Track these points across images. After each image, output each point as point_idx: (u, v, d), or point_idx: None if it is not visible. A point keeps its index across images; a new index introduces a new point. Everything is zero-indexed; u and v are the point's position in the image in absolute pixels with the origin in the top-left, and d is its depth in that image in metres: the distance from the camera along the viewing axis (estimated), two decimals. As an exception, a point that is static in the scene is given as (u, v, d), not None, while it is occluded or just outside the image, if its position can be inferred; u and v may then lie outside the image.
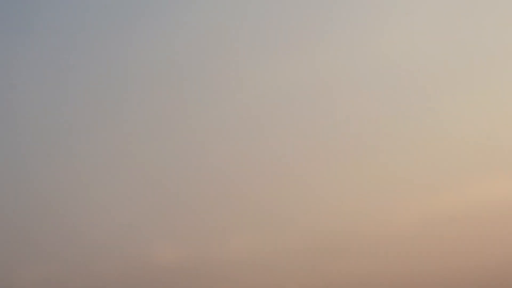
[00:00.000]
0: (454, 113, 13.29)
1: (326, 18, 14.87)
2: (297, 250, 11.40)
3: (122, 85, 14.34)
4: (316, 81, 13.58)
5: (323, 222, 11.71)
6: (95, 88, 13.76)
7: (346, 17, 14.68)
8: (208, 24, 14.86)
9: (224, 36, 14.77)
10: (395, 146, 12.49)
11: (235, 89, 13.80)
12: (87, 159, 12.52)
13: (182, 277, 11.21)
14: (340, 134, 12.73)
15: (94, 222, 11.33)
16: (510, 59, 13.57)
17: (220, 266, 10.93)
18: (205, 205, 11.71)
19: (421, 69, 13.65)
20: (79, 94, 13.98)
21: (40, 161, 12.76)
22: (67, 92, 13.88)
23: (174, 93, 13.45)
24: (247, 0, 14.52)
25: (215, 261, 11.01)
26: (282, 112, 13.57)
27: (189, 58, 14.39)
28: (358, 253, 11.33)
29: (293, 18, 15.39)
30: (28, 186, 12.53)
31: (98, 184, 12.05)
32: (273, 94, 13.53)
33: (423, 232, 11.27)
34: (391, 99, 13.35)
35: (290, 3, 15.32)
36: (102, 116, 12.93)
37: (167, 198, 11.83)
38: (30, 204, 12.17)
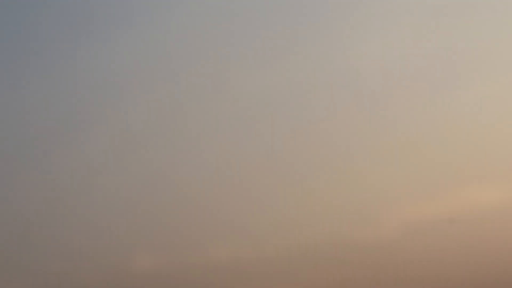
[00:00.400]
0: (437, 122, 13.23)
1: (308, 27, 14.89)
2: (280, 258, 11.25)
3: (110, 89, 14.30)
4: (299, 88, 13.56)
5: (305, 230, 11.58)
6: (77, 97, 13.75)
7: (328, 27, 14.70)
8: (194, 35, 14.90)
9: (215, 43, 14.78)
10: (377, 155, 12.40)
11: (223, 95, 13.75)
12: (64, 169, 12.44)
13: (163, 284, 11.07)
14: (324, 142, 12.64)
15: (74, 231, 11.22)
16: (494, 66, 13.53)
17: (200, 273, 10.80)
18: (186, 214, 11.60)
19: (405, 77, 13.62)
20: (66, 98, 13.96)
21: (16, 170, 12.69)
22: (60, 94, 13.86)
23: (160, 99, 13.41)
24: (233, 11, 14.57)
25: (196, 268, 10.89)
26: (260, 123, 13.51)
27: (177, 65, 14.39)
28: (342, 262, 11.17)
29: (280, 26, 15.38)
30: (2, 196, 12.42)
31: (78, 193, 11.95)
32: (257, 101, 13.50)
33: (410, 239, 11.13)
34: (374, 108, 13.29)
35: (276, 14, 15.36)
36: (81, 126, 12.88)
37: (148, 206, 11.73)
38: (5, 215, 12.06)
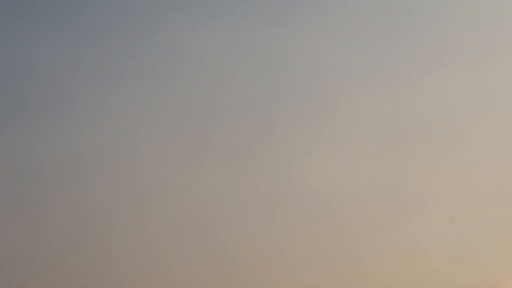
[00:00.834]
0: (380, 253, 13.30)
1: (255, 144, 14.61)
2: None
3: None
4: (241, 202, 13.37)
5: None
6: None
7: (278, 146, 14.36)
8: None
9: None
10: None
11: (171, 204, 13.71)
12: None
13: None
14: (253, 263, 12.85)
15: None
16: (425, 209, 13.43)
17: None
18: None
19: (348, 202, 13.49)
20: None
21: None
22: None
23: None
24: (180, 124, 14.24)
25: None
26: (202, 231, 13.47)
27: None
28: None
29: (229, 139, 14.99)
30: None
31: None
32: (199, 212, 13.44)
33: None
34: (316, 230, 13.36)
35: (225, 129, 15.05)
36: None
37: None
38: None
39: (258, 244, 13.65)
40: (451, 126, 41.44)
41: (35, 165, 32.91)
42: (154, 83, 42.94)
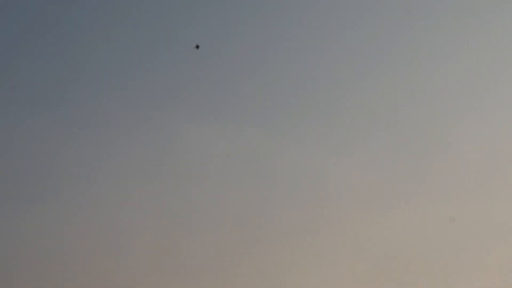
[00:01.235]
0: None
1: None
2: None
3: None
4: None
5: None
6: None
7: None
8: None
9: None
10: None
11: None
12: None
13: None
14: None
15: None
16: None
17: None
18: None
19: None
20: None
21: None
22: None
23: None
24: None
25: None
26: None
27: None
28: None
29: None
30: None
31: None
32: None
33: None
34: None
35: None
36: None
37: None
38: None
39: None
40: (445, 259, 40.83)
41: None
42: (147, 178, 42.75)
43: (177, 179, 42.98)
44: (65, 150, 44.22)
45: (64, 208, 41.29)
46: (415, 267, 40.56)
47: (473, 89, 46.67)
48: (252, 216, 42.05)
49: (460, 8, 48.98)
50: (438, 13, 49.59)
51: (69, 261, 39.86)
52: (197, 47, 38.77)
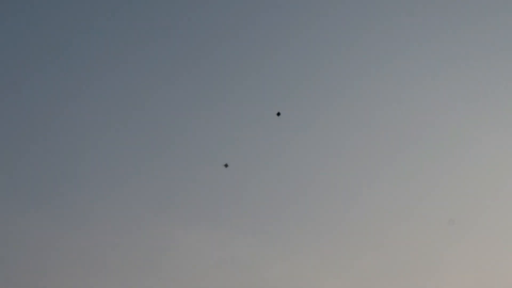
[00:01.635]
0: None
1: None
2: None
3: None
4: None
5: None
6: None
7: None
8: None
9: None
10: None
11: None
12: None
13: None
14: None
15: None
16: None
17: None
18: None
19: None
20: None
21: None
22: None
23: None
24: None
25: None
26: None
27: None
28: None
29: None
30: None
31: None
32: None
33: None
34: None
35: None
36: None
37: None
38: None
39: None
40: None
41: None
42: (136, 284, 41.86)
43: (164, 283, 42.14)
44: (57, 250, 43.74)
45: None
46: None
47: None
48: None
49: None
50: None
51: None
52: (278, 114, 38.75)
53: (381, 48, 52.63)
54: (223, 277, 43.31)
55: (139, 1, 53.86)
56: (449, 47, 52.16)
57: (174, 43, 53.66)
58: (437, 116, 50.45)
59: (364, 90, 51.66)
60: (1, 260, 42.28)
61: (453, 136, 49.67)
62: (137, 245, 44.47)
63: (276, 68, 52.93)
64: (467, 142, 49.25)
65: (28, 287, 41.35)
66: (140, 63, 52.94)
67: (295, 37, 53.26)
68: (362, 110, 51.00)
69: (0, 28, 52.04)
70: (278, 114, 38.95)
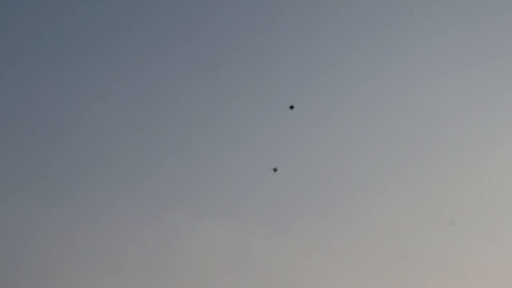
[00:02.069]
0: None
1: None
2: None
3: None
4: None
5: None
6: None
7: None
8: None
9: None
10: None
11: None
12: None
13: None
14: None
15: None
16: None
17: None
18: None
19: None
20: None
21: None
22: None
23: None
24: None
25: None
26: None
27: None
28: None
29: None
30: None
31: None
32: None
33: None
34: None
35: None
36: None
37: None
38: None
39: None
40: None
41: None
42: (146, 272, 42.30)
43: (176, 274, 42.56)
44: (69, 236, 43.98)
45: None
46: None
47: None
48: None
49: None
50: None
51: None
52: (292, 107, 39.07)
53: (382, 46, 53.04)
54: (233, 269, 43.71)
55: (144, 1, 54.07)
56: (451, 45, 52.64)
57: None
58: (440, 113, 50.94)
59: (371, 88, 52.18)
60: (9, 256, 42.50)
61: (456, 131, 50.24)
62: (147, 238, 44.75)
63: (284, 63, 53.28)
64: (471, 135, 49.86)
65: (38, 281, 41.61)
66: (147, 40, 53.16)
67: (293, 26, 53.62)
68: (366, 110, 51.50)
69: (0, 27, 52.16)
70: (292, 107, 39.33)
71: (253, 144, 49.63)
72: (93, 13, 53.13)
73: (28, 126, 49.33)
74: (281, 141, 49.70)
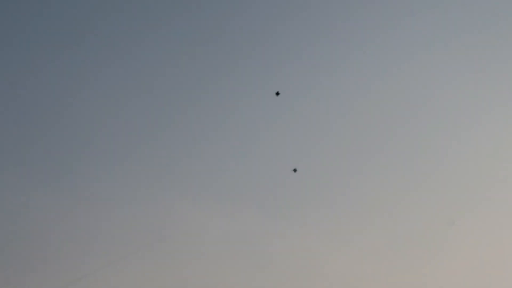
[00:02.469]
0: None
1: None
2: None
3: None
4: None
5: None
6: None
7: None
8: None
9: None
10: None
11: None
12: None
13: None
14: None
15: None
16: None
17: None
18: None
19: None
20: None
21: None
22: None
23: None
24: None
25: None
26: None
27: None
28: None
29: None
30: None
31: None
32: None
33: None
34: None
35: None
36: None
37: None
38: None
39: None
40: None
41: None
42: (143, 257, 42.43)
43: (173, 259, 42.77)
44: (65, 222, 44.20)
45: (60, 278, 40.88)
46: None
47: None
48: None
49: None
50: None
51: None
52: (277, 93, 39.11)
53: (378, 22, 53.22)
54: (227, 250, 43.89)
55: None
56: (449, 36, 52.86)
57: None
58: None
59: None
60: (7, 237, 42.67)
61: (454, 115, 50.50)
62: (142, 220, 44.95)
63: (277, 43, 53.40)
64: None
65: (35, 261, 41.73)
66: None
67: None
68: (367, 108, 51.73)
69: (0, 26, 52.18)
70: (277, 93, 39.43)
71: (248, 128, 49.80)
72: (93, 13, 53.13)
73: (15, 108, 49.44)
74: (276, 122, 49.91)
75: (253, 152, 48.69)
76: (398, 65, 52.95)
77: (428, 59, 52.71)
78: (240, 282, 42.81)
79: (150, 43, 52.89)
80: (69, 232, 43.78)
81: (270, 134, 49.05)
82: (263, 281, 42.85)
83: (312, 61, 52.42)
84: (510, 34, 52.60)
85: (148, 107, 50.58)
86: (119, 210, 45.17)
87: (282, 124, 49.87)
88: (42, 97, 50.39)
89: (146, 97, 51.06)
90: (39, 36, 52.02)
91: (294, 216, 45.79)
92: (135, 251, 42.48)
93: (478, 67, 52.26)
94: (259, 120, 49.66)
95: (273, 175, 47.24)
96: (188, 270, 42.47)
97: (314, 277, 43.03)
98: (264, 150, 48.37)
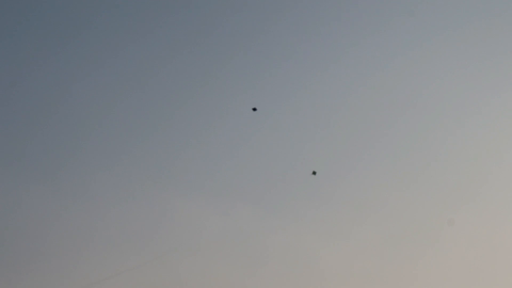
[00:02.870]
0: None
1: None
2: None
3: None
4: None
5: None
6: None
7: None
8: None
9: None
10: None
11: None
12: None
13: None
14: None
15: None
16: None
17: None
18: None
19: None
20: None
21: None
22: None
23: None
24: None
25: None
26: None
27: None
28: None
29: None
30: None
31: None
32: None
33: None
34: None
35: None
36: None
37: None
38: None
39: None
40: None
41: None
42: (138, 252, 42.38)
43: (169, 255, 42.71)
44: (59, 220, 44.16)
45: (56, 277, 40.91)
46: None
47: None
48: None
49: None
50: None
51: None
52: (254, 109, 38.98)
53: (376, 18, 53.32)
54: (223, 247, 43.88)
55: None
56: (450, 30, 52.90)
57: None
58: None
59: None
60: (2, 235, 42.61)
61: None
62: (137, 215, 44.93)
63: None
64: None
65: (31, 260, 41.70)
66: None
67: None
68: (367, 108, 51.81)
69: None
70: (254, 109, 39.38)
71: (246, 121, 49.78)
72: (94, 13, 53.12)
73: (10, 106, 49.41)
74: (272, 116, 49.96)
75: (248, 148, 48.72)
76: (394, 63, 53.03)
77: (426, 56, 52.81)
78: (236, 278, 42.80)
79: (147, 41, 52.97)
80: (65, 230, 43.79)
81: (266, 131, 49.07)
82: (259, 277, 42.82)
83: (309, 58, 52.46)
84: (507, 31, 52.64)
85: (143, 105, 50.66)
86: (114, 207, 45.18)
87: (277, 120, 49.89)
88: (38, 95, 50.39)
89: (142, 95, 51.15)
90: (35, 33, 52.06)
91: (290, 213, 45.79)
92: (130, 248, 42.47)
93: (475, 64, 52.39)
94: (254, 117, 49.60)
95: (269, 171, 47.27)
96: (184, 267, 42.43)
97: (310, 273, 43.02)
98: (259, 147, 48.39)
